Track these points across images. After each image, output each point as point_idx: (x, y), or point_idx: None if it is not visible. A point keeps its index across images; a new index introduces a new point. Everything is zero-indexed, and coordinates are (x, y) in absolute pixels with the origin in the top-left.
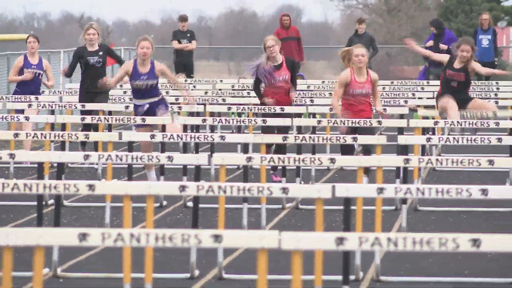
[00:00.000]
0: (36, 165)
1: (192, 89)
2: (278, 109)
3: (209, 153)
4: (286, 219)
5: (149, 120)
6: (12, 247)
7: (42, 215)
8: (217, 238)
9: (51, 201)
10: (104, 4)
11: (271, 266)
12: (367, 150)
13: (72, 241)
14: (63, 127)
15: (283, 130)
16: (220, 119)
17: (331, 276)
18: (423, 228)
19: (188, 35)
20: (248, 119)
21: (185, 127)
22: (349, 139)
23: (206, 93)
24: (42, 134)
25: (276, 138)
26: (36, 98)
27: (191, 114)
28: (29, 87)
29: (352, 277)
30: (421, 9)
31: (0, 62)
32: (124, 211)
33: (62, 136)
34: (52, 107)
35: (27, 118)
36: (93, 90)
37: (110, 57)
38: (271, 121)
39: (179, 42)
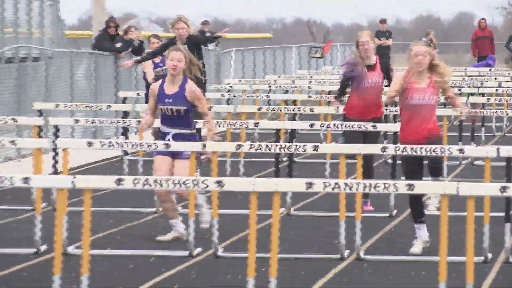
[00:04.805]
0: (274, 132)
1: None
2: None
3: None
4: (462, 172)
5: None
6: (257, 192)
7: (279, 169)
8: (410, 186)
9: (285, 159)
10: (324, 9)
11: (451, 207)
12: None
13: (301, 188)
14: (294, 103)
15: (371, 139)
16: None
17: (496, 214)
18: None
19: (387, 34)
20: None
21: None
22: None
23: None
24: (278, 108)
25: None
26: None
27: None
28: None
29: None
30: None
31: (247, 57)
32: (340, 166)
33: (293, 110)
34: (286, 88)
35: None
36: None
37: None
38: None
39: (379, 39)
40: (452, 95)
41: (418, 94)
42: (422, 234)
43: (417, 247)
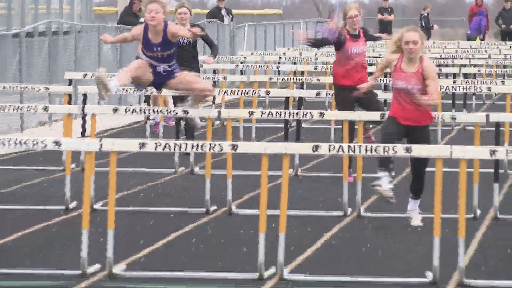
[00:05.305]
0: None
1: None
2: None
3: None
4: (454, 138)
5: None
6: (267, 155)
7: (287, 133)
8: (407, 150)
9: (293, 124)
10: None
11: (445, 171)
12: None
13: (308, 151)
14: (302, 73)
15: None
16: None
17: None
18: None
19: (389, 9)
20: None
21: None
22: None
23: None
24: (288, 78)
25: None
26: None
27: None
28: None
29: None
30: None
31: (259, 32)
32: (343, 131)
33: (301, 79)
34: (295, 60)
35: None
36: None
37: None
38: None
39: (382, 15)
40: (431, 88)
41: (403, 79)
42: (383, 182)
43: (382, 185)
